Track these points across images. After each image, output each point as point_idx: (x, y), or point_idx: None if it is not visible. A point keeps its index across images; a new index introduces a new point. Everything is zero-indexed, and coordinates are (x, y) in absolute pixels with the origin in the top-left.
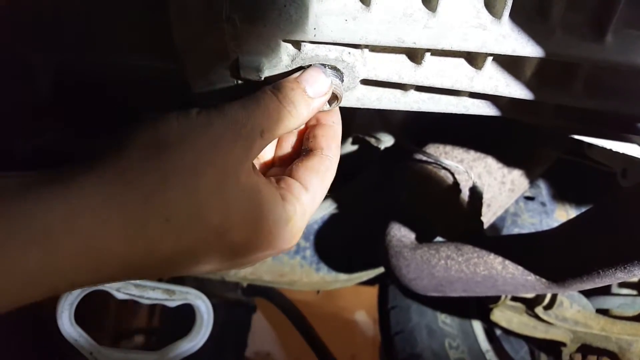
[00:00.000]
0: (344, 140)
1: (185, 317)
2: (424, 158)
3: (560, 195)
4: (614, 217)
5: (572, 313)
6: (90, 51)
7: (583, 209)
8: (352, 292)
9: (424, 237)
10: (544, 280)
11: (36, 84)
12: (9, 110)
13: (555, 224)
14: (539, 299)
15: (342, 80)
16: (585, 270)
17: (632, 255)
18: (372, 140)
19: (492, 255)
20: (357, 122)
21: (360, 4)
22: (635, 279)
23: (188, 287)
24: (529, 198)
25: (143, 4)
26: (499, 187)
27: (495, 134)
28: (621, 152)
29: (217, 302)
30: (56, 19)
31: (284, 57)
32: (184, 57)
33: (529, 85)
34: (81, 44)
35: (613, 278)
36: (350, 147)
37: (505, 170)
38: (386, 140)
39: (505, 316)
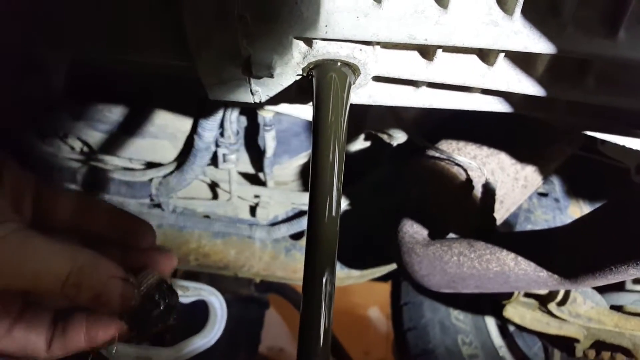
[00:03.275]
0: (356, 136)
1: (199, 313)
2: (437, 154)
3: (574, 191)
4: (626, 214)
5: (585, 309)
6: (103, 48)
7: (597, 205)
8: (365, 288)
9: (436, 234)
10: (556, 276)
11: (49, 80)
12: (20, 106)
13: (569, 221)
14: (552, 295)
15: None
16: (598, 266)
17: None
18: (385, 137)
19: (504, 252)
20: (369, 118)
21: (371, 0)
22: None
23: (202, 283)
24: (543, 194)
25: (156, 2)
26: (512, 184)
27: (509, 129)
28: (635, 148)
29: (231, 299)
30: (68, 17)
31: (296, 54)
32: (196, 55)
33: (541, 81)
34: (93, 41)
35: (626, 275)
36: (362, 144)
37: (519, 166)
38: (399, 137)
39: (519, 312)
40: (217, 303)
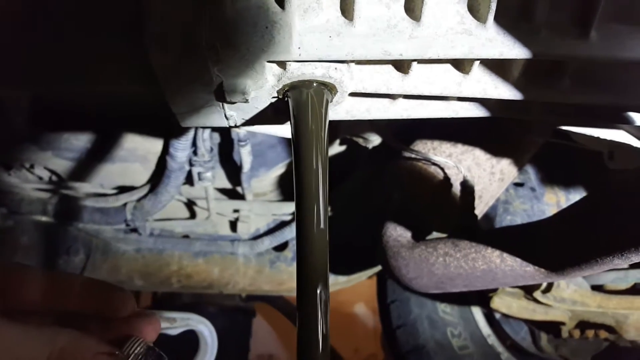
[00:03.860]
0: (332, 141)
1: (188, 342)
2: (413, 155)
3: (549, 178)
4: (608, 205)
5: (569, 293)
6: (65, 85)
7: (572, 191)
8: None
9: (420, 235)
10: (543, 270)
11: (11, 120)
12: None
13: (546, 208)
14: (536, 284)
15: None
16: (583, 258)
17: (628, 242)
18: (360, 140)
19: (489, 249)
20: (343, 123)
21: (342, 18)
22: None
23: (189, 313)
24: (519, 184)
25: (119, 33)
26: (489, 178)
27: (481, 125)
28: (608, 138)
29: (217, 311)
30: (27, 57)
31: (270, 78)
32: (165, 84)
33: (517, 85)
34: (55, 79)
35: (611, 265)
36: (338, 148)
37: (494, 160)
38: (374, 140)
39: (505, 302)
40: (206, 331)
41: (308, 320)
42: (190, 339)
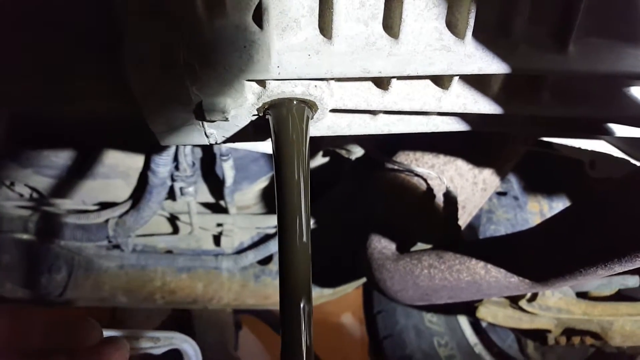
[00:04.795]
0: (314, 153)
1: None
2: (396, 167)
3: (532, 187)
4: (591, 216)
5: (554, 301)
6: (41, 105)
7: (555, 199)
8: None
9: (404, 246)
10: (527, 280)
11: None
12: None
13: (529, 216)
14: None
15: None
16: (567, 269)
17: (613, 253)
18: (343, 152)
19: (473, 261)
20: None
21: (321, 36)
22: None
23: (172, 332)
24: (502, 194)
25: (96, 53)
26: (471, 188)
27: (463, 135)
28: (590, 148)
29: (202, 324)
30: (3, 74)
31: (249, 96)
32: (143, 104)
33: (497, 99)
34: (31, 99)
35: (595, 275)
36: (321, 160)
37: (476, 170)
38: (356, 151)
39: (491, 311)
40: (191, 350)
41: (291, 334)
42: (175, 357)
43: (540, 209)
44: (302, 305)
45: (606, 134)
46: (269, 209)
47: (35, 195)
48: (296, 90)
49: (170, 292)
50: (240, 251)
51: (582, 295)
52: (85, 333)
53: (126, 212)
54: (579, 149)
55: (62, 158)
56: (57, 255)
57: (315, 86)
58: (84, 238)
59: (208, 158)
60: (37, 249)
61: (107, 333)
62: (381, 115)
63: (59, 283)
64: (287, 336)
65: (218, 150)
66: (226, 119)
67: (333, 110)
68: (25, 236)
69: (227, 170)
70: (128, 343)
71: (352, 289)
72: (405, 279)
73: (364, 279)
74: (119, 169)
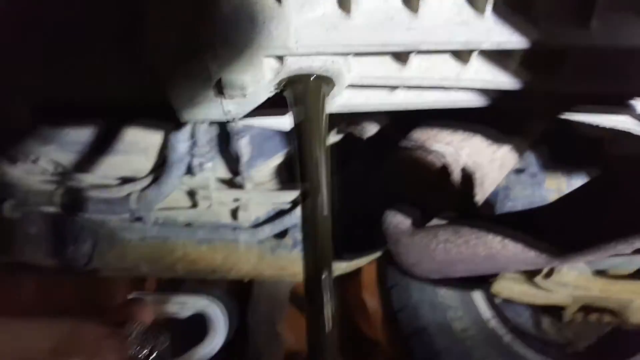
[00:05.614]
0: (328, 131)
1: (198, 324)
2: (412, 144)
3: (550, 164)
4: (611, 191)
5: (571, 278)
6: (64, 92)
7: (573, 176)
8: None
9: (420, 222)
10: (544, 255)
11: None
12: None
13: (547, 194)
14: (538, 269)
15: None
16: (586, 244)
17: (632, 228)
18: (356, 130)
19: (490, 235)
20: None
21: (339, 10)
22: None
23: (198, 296)
24: (520, 170)
25: (116, 37)
26: (489, 165)
27: (481, 111)
28: (610, 125)
29: (221, 293)
30: (25, 68)
31: (267, 72)
32: (165, 82)
33: (517, 75)
34: (53, 87)
35: (614, 250)
36: (335, 138)
37: (494, 147)
38: (370, 129)
39: (506, 287)
40: (216, 313)
41: (316, 303)
42: (201, 320)
43: (559, 187)
44: (324, 277)
45: (628, 110)
46: (284, 185)
47: (58, 170)
48: (314, 65)
49: (191, 262)
50: (257, 225)
51: (601, 273)
52: (112, 295)
53: (147, 187)
54: (599, 125)
55: (83, 135)
56: (82, 227)
57: (333, 62)
58: (108, 211)
59: (225, 135)
60: (62, 221)
61: (136, 295)
62: (399, 90)
63: (84, 253)
64: (312, 306)
65: (234, 127)
66: (245, 96)
67: (350, 86)
68: (51, 209)
69: (243, 147)
70: (155, 305)
71: (366, 262)
72: (421, 253)
73: (378, 254)
74: (139, 145)
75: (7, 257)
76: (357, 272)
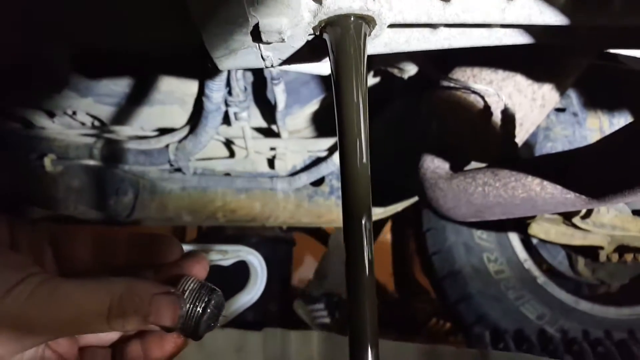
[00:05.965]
0: (367, 72)
1: (239, 272)
2: (452, 84)
3: (592, 102)
4: None
5: (609, 218)
6: (103, 38)
7: (616, 115)
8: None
9: (458, 166)
10: (584, 197)
11: (50, 67)
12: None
13: (588, 133)
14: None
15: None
16: (626, 184)
17: None
18: (395, 71)
19: (529, 178)
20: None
21: None
22: None
23: (239, 245)
24: (560, 110)
25: None
26: (530, 105)
27: (522, 48)
28: None
29: (259, 241)
30: (66, 14)
31: (306, 15)
32: (202, 29)
33: (563, 10)
34: (93, 33)
35: None
36: (373, 80)
37: (536, 86)
38: (409, 70)
39: (543, 228)
40: (256, 261)
41: (355, 249)
42: (242, 268)
43: (600, 126)
44: (363, 222)
45: None
46: (319, 133)
47: (96, 123)
48: (353, 5)
49: (231, 211)
50: (294, 173)
51: (639, 213)
52: (166, 249)
53: (185, 137)
54: None
55: (120, 86)
56: (122, 179)
57: (373, 0)
58: (147, 162)
59: (260, 83)
60: (103, 173)
61: (189, 250)
62: (441, 29)
63: (126, 205)
64: (351, 250)
65: (269, 74)
66: (282, 40)
67: (391, 26)
68: (91, 162)
69: (279, 94)
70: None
71: (402, 208)
72: (459, 196)
73: (413, 199)
74: (175, 95)
75: (51, 210)
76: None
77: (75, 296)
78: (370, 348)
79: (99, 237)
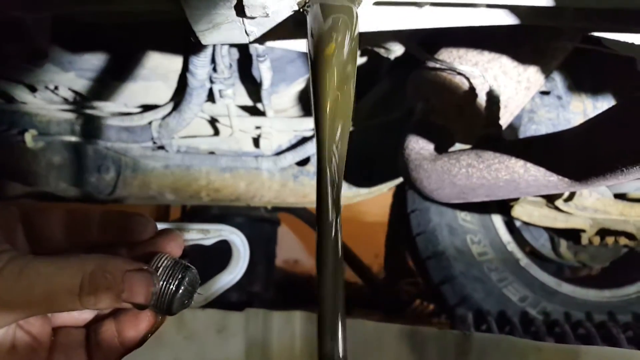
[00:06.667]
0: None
1: (221, 251)
2: (437, 65)
3: (576, 86)
4: (636, 115)
5: (591, 201)
6: (84, 5)
7: (599, 98)
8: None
9: (442, 147)
10: (566, 179)
11: (31, 40)
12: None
13: (572, 116)
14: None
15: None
16: (608, 168)
17: None
18: (382, 51)
19: (513, 159)
20: (365, 33)
21: None
22: None
23: (221, 224)
24: (545, 93)
25: None
26: (515, 87)
27: (509, 30)
28: None
29: (244, 221)
30: None
31: None
32: (184, 1)
33: None
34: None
35: (637, 174)
36: (359, 60)
37: (521, 68)
38: (396, 50)
39: (526, 210)
40: (239, 241)
41: (324, 229)
42: (224, 248)
43: (584, 109)
44: (330, 202)
45: None
46: (305, 112)
47: (78, 99)
48: None
49: (215, 190)
50: (279, 153)
51: (621, 197)
52: (140, 227)
53: (168, 114)
54: (632, 44)
55: (102, 61)
56: (104, 156)
57: None
58: (130, 139)
59: (245, 60)
60: (85, 150)
61: (159, 226)
62: (427, 7)
63: (108, 182)
64: (321, 230)
65: (255, 51)
66: (267, 15)
67: (377, 3)
68: (73, 138)
69: (264, 71)
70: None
71: (387, 189)
72: (442, 178)
73: (398, 180)
74: (158, 71)
75: (32, 187)
76: (379, 197)
77: (46, 273)
78: (341, 329)
79: (71, 215)
